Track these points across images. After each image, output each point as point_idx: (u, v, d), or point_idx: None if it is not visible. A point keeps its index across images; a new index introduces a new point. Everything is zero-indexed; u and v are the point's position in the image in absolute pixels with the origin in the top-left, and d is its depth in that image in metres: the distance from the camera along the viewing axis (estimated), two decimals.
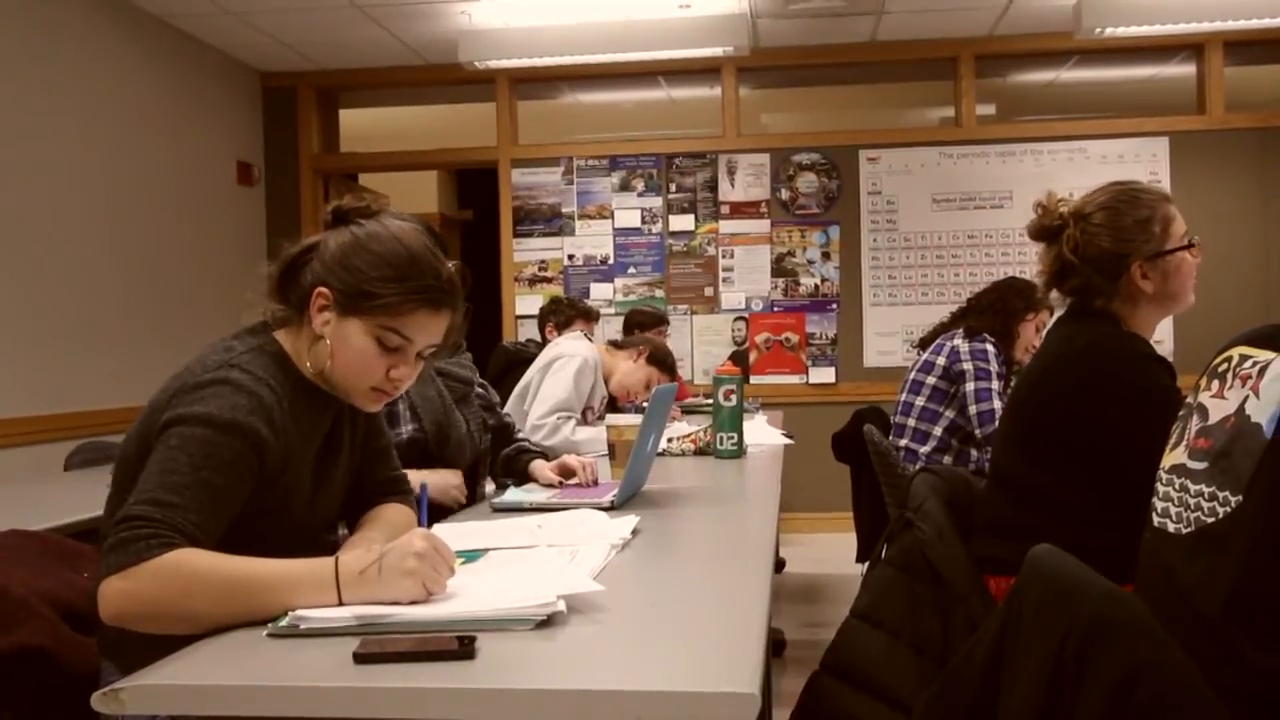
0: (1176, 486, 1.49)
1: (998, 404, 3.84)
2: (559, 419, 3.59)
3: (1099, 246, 2.23)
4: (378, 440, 1.92)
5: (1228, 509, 1.37)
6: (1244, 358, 1.48)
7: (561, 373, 3.67)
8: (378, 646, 1.23)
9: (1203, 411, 1.51)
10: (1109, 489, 2.13)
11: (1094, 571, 1.33)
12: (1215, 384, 1.52)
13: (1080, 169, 6.47)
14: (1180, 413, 1.60)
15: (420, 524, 1.53)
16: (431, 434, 2.55)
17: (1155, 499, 1.54)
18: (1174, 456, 1.54)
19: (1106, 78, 7.18)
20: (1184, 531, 1.44)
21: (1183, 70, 6.73)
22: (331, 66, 6.90)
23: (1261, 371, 1.42)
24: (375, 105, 7.73)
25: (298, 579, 1.37)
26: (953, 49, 6.61)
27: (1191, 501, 1.43)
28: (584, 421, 3.76)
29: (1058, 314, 2.43)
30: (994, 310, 4.09)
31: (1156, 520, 1.50)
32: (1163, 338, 6.08)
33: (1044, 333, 4.05)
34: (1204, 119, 6.50)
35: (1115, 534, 2.08)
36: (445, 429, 2.58)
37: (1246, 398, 1.42)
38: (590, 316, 5.51)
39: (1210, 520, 1.39)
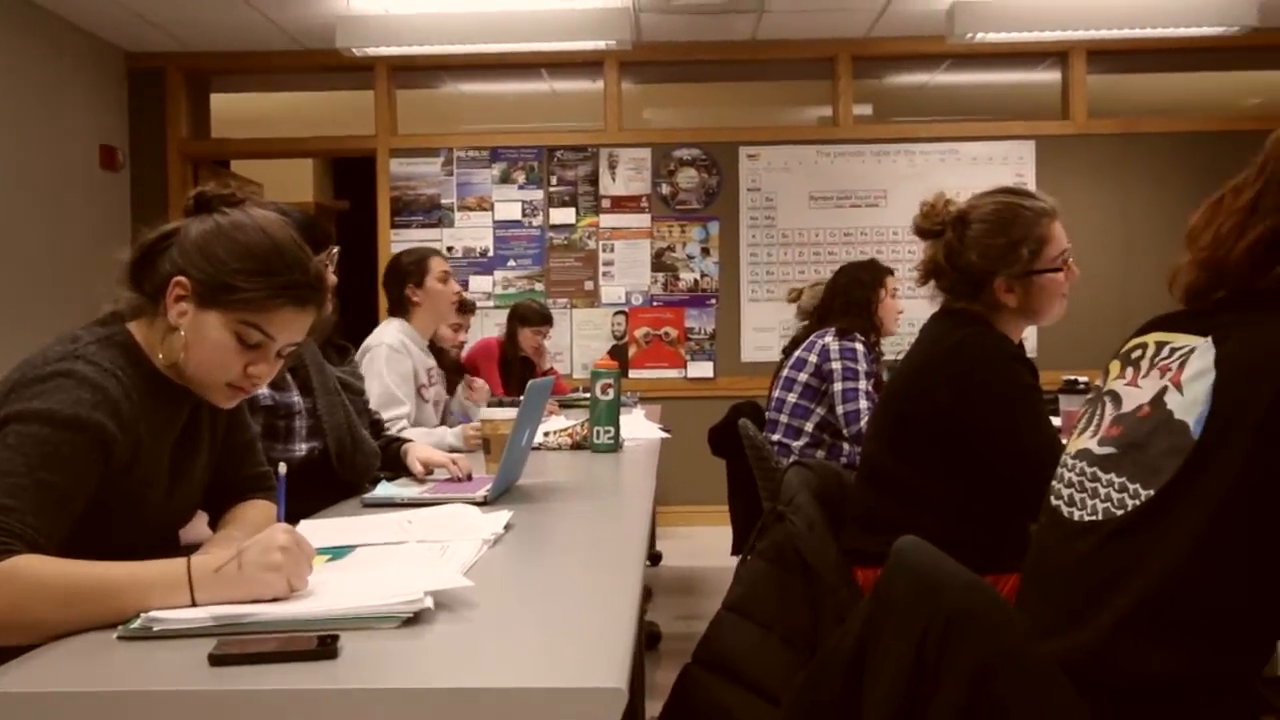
0: (1078, 472, 1.48)
1: (864, 404, 3.91)
2: (389, 419, 3.47)
3: (967, 259, 2.29)
4: (241, 435, 1.87)
5: (1137, 502, 1.36)
6: (1161, 345, 1.46)
7: (370, 370, 3.51)
8: (235, 647, 1.19)
9: (1116, 399, 1.49)
10: (972, 483, 2.19)
11: (956, 563, 1.35)
12: (1129, 371, 1.50)
13: (952, 169, 6.65)
14: (1089, 397, 1.59)
15: (280, 518, 1.48)
16: (334, 452, 2.47)
17: (1057, 483, 1.52)
18: (1080, 441, 1.52)
19: (978, 82, 7.38)
20: (1086, 519, 1.42)
21: (1049, 77, 6.96)
22: (202, 49, 6.69)
23: (1183, 363, 1.39)
24: (248, 90, 7.52)
25: (147, 581, 1.32)
26: (831, 49, 6.72)
27: (1103, 491, 1.41)
28: (427, 385, 3.69)
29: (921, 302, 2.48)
30: (847, 310, 4.14)
31: (1065, 509, 1.48)
32: (1025, 335, 6.27)
33: (899, 299, 4.17)
34: (1068, 124, 6.74)
35: (978, 526, 2.16)
36: (349, 447, 2.50)
37: (1165, 389, 1.39)
38: (465, 309, 5.43)
39: (1119, 512, 1.38)
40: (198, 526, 1.86)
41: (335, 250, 2.55)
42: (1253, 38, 6.00)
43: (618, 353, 6.75)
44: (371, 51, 6.13)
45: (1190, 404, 1.35)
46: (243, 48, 6.66)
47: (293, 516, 1.72)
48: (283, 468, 1.58)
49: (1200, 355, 1.38)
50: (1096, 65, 6.75)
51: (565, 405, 4.85)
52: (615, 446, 3.14)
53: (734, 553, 4.14)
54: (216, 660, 1.16)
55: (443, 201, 6.84)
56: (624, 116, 6.86)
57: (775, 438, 4.08)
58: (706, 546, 5.75)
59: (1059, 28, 5.91)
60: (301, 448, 2.43)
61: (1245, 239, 1.40)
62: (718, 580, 5.06)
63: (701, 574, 5.47)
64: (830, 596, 2.10)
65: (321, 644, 1.19)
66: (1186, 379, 1.38)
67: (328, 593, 1.37)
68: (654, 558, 5.69)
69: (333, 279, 2.52)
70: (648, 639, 4.11)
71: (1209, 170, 6.02)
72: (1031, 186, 6.26)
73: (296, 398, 2.44)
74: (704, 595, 5.01)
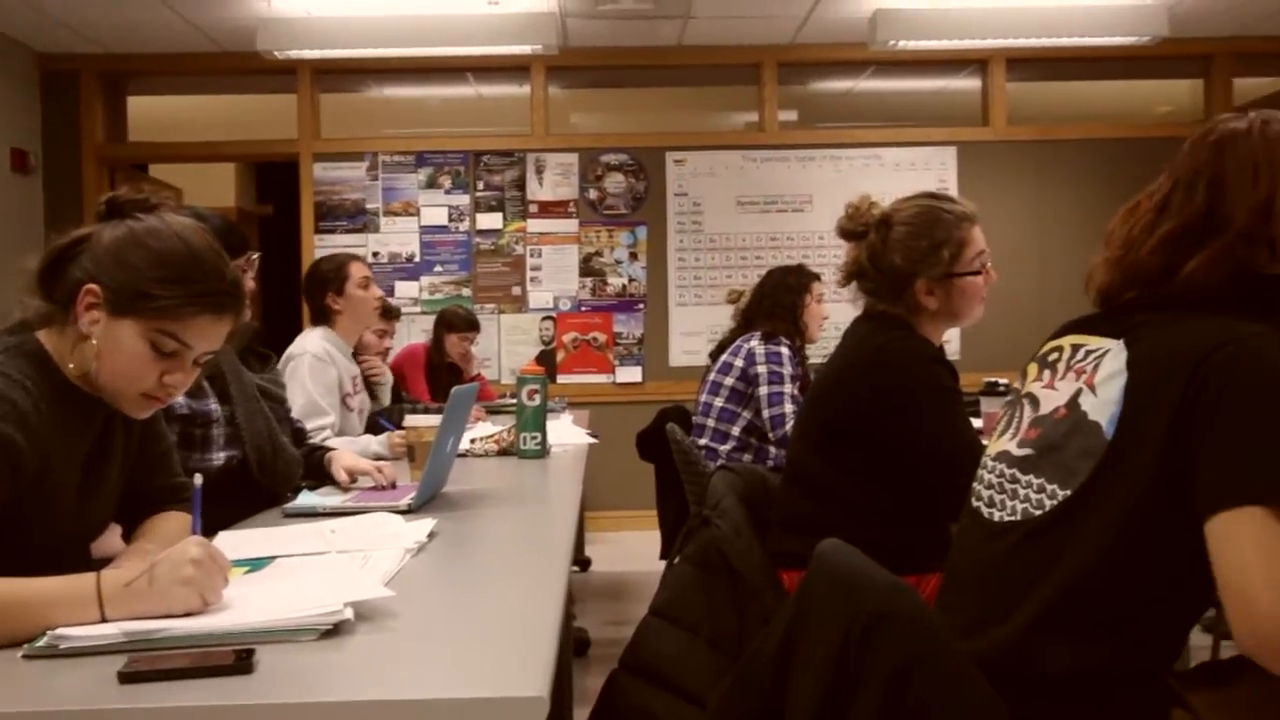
0: (998, 473, 1.51)
1: (789, 408, 3.93)
2: (312, 429, 3.43)
3: (890, 261, 2.32)
4: (156, 446, 1.83)
5: (1055, 502, 1.39)
6: (1076, 347, 1.49)
7: (294, 380, 3.46)
8: (146, 664, 1.16)
9: (1034, 401, 1.52)
10: (894, 485, 2.22)
11: (877, 564, 1.36)
12: (1046, 374, 1.53)
13: (875, 175, 6.73)
14: (1008, 399, 1.63)
15: (195, 530, 1.45)
16: (254, 461, 2.42)
17: (978, 485, 1.55)
18: (1000, 444, 1.55)
19: (900, 89, 7.48)
20: (1006, 519, 1.45)
21: (970, 84, 7.08)
22: (118, 50, 6.53)
23: (1096, 365, 1.43)
24: (167, 93, 7.36)
25: (54, 597, 1.28)
26: (756, 55, 6.77)
27: (1022, 492, 1.44)
28: (352, 394, 3.65)
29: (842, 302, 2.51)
30: (772, 313, 4.17)
31: (985, 510, 1.51)
32: (949, 337, 6.37)
33: (824, 304, 4.22)
34: (988, 130, 6.86)
35: (900, 528, 2.18)
36: (270, 456, 2.44)
37: (1080, 391, 1.43)
38: (390, 314, 5.36)
39: (1037, 512, 1.41)
40: (111, 540, 1.82)
41: (255, 256, 2.51)
42: (1163, 47, 6.16)
43: (545, 358, 6.73)
44: (293, 54, 6.03)
45: (1103, 405, 1.39)
46: (160, 49, 6.52)
47: (211, 528, 1.68)
48: (198, 479, 1.54)
49: (1113, 357, 1.42)
50: (1015, 73, 6.88)
51: (493, 411, 4.82)
52: (542, 452, 3.12)
53: (662, 557, 4.14)
54: (126, 678, 1.13)
55: (368, 206, 6.76)
56: (551, 121, 6.84)
57: (702, 442, 4.09)
58: (635, 551, 5.76)
59: (979, 36, 6.01)
60: (219, 456, 2.38)
61: (1154, 236, 1.44)
62: (647, 585, 5.04)
63: (631, 579, 5.47)
64: (756, 600, 2.10)
65: (237, 658, 1.16)
66: (1100, 380, 1.41)
67: (244, 606, 1.34)
68: (583, 563, 5.67)
69: (251, 285, 2.47)
70: (577, 645, 4.09)
71: (1123, 175, 6.18)
72: (953, 191, 6.38)
73: (214, 406, 2.39)
74: (633, 600, 5.00)
